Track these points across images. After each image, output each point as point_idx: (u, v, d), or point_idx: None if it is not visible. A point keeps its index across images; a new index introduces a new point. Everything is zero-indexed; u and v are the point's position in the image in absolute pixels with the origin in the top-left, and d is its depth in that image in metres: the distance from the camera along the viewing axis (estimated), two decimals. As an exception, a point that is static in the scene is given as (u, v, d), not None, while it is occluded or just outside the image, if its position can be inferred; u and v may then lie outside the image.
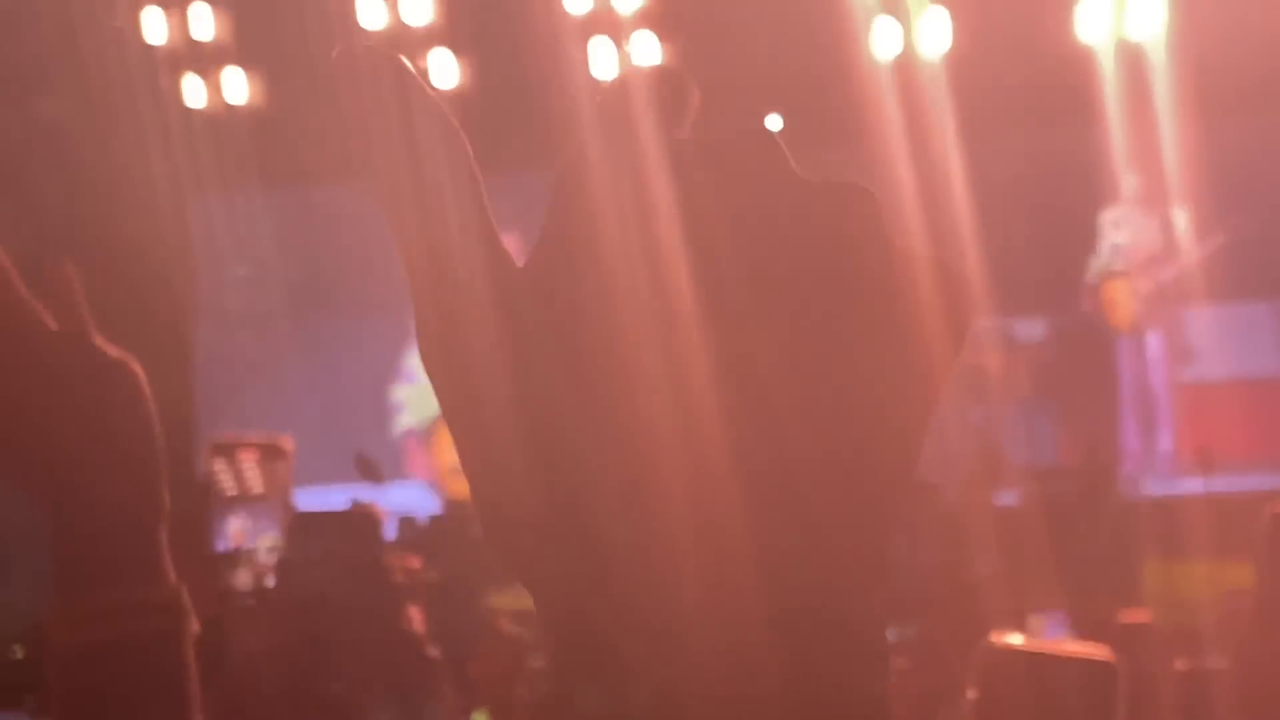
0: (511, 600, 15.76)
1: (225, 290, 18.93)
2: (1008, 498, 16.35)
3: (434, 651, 5.16)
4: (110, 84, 16.76)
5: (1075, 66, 16.72)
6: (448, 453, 18.38)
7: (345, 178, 18.45)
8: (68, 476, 1.91)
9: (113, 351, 2.13)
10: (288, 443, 9.84)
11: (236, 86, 17.46)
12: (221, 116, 17.47)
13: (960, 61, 16.77)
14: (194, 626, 1.91)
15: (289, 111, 17.35)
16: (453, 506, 16.48)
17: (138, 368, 2.10)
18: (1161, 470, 17.99)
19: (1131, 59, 16.77)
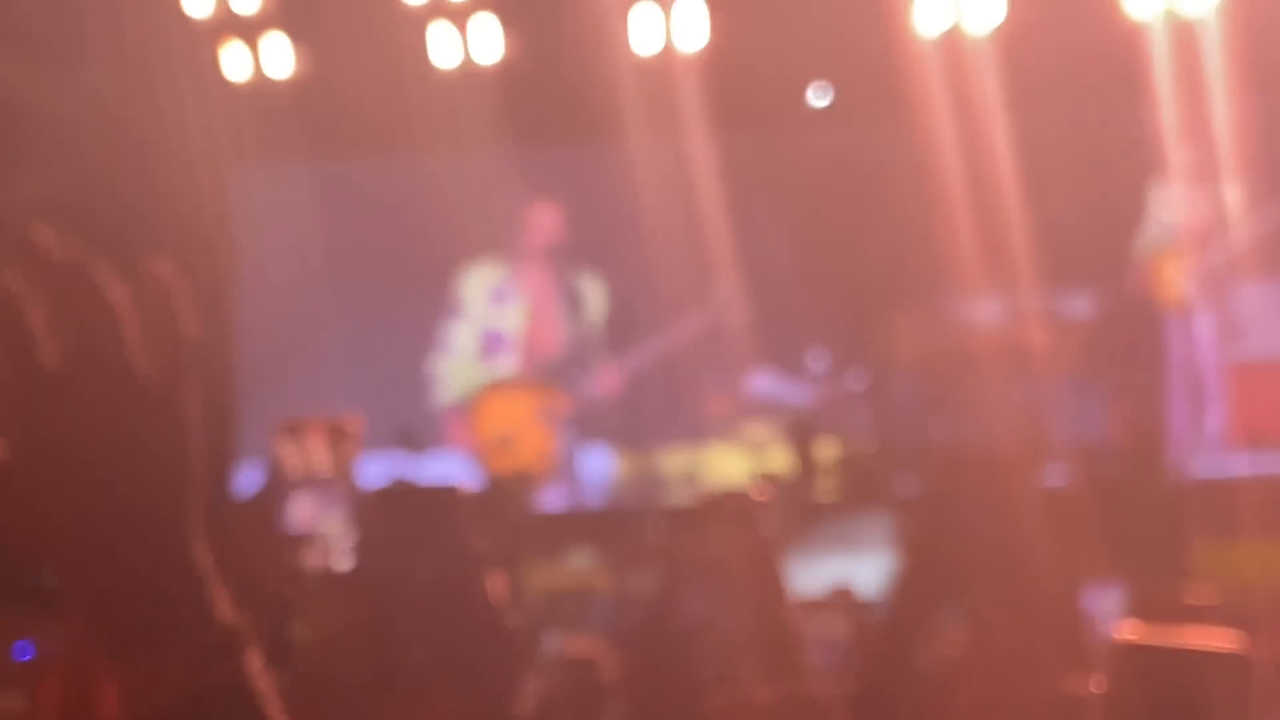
0: (546, 574, 15.77)
1: (265, 261, 18.92)
2: (1054, 476, 16.20)
3: (513, 621, 5.12)
4: (152, 52, 16.75)
5: (1125, 39, 16.60)
6: (488, 426, 18.33)
7: (384, 150, 18.47)
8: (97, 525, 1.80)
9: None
10: (356, 423, 9.73)
11: (278, 57, 17.43)
12: (263, 87, 17.47)
13: (1010, 35, 16.69)
14: (256, 657, 1.81)
15: (329, 83, 17.35)
16: (494, 481, 16.46)
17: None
18: (1210, 450, 17.85)
19: (1183, 31, 16.62)
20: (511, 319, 18.56)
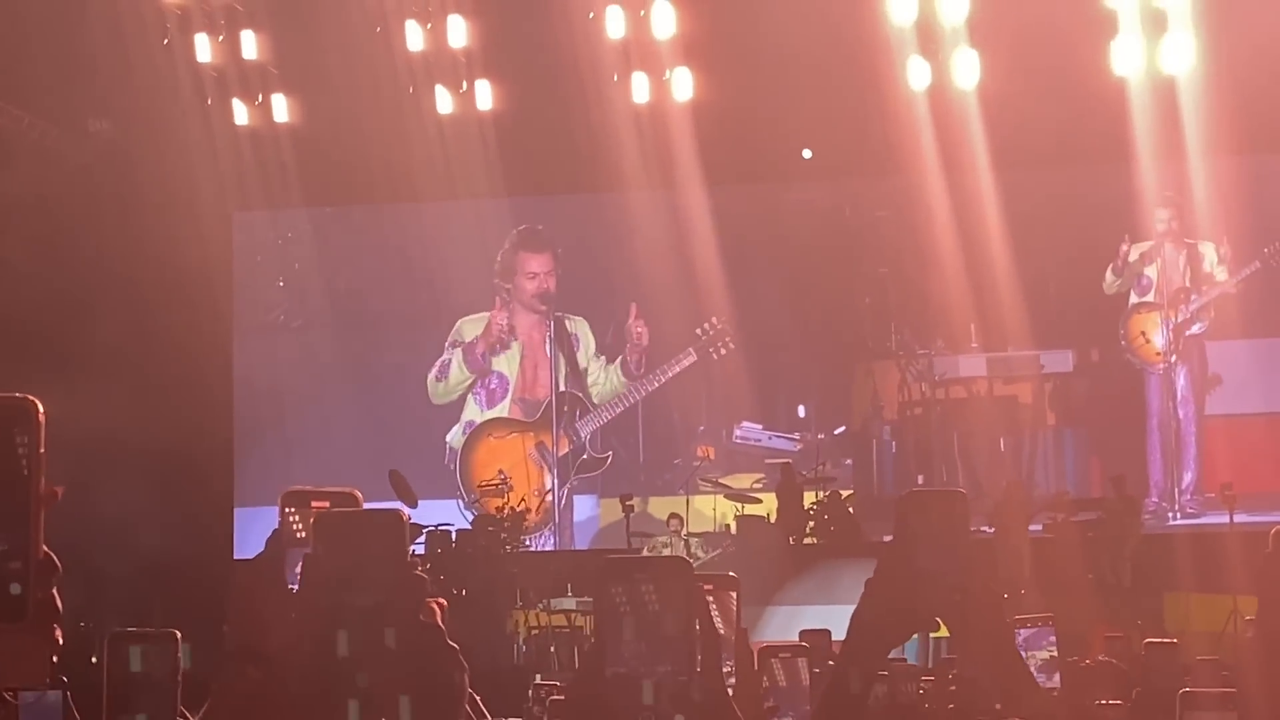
0: (533, 616, 16.00)
1: (266, 301, 19.22)
2: (1035, 524, 16.51)
3: (453, 643, 5.27)
4: (161, 103, 17.11)
5: (1107, 101, 16.87)
6: (479, 469, 18.62)
7: (383, 199, 18.71)
8: None
9: None
10: (357, 495, 9.85)
11: (280, 109, 17.75)
12: (265, 137, 17.76)
13: (993, 97, 16.95)
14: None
15: (329, 134, 17.63)
16: (481, 521, 16.66)
17: None
18: (1186, 503, 18.12)
19: (1163, 93, 16.87)
20: (506, 363, 18.92)
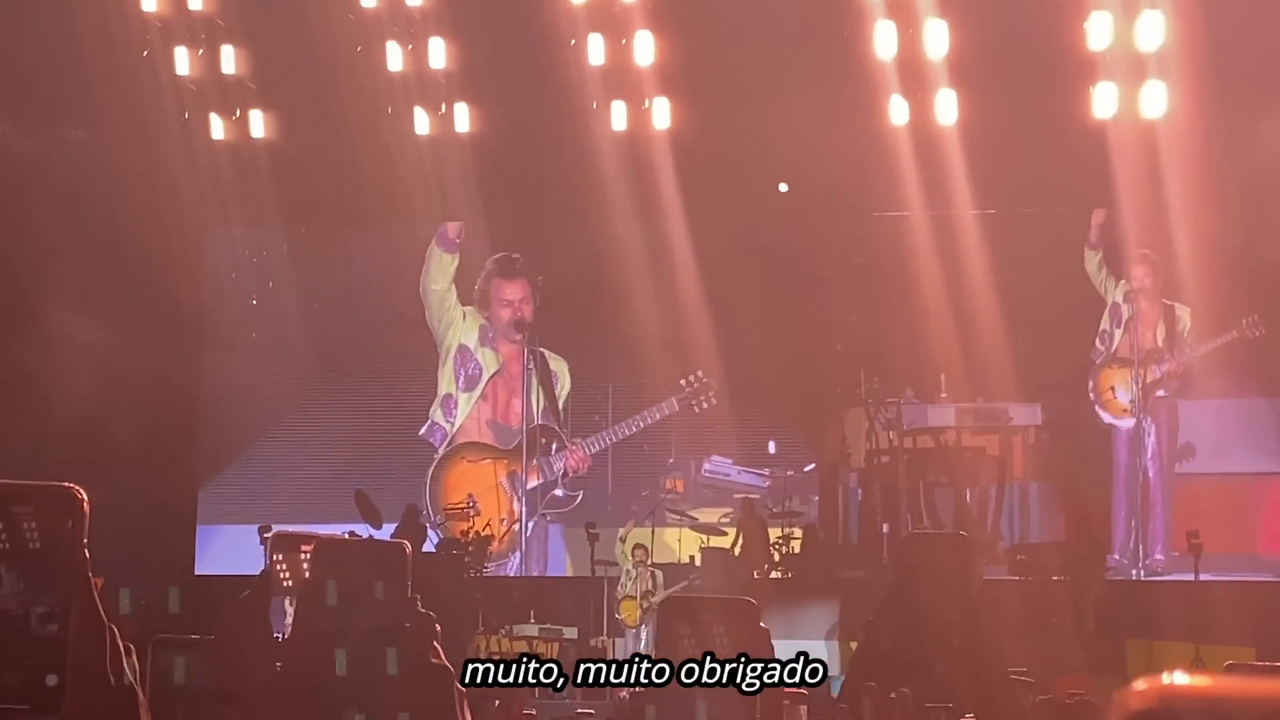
0: (496, 641, 15.88)
1: (238, 319, 19.06)
2: (1000, 570, 16.46)
3: (459, 685, 5.22)
4: (139, 115, 17.05)
5: (1088, 149, 16.84)
6: (449, 492, 18.48)
7: (360, 219, 18.62)
8: None
9: None
10: (349, 538, 9.83)
11: (257, 125, 17.65)
12: (242, 152, 17.67)
13: (972, 139, 16.94)
14: None
15: (306, 151, 17.56)
16: (445, 544, 16.53)
17: None
18: (1152, 562, 18.06)
19: (1142, 139, 16.83)
20: (490, 359, 18.81)
